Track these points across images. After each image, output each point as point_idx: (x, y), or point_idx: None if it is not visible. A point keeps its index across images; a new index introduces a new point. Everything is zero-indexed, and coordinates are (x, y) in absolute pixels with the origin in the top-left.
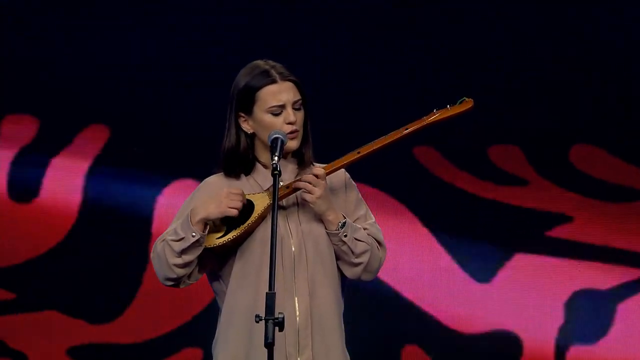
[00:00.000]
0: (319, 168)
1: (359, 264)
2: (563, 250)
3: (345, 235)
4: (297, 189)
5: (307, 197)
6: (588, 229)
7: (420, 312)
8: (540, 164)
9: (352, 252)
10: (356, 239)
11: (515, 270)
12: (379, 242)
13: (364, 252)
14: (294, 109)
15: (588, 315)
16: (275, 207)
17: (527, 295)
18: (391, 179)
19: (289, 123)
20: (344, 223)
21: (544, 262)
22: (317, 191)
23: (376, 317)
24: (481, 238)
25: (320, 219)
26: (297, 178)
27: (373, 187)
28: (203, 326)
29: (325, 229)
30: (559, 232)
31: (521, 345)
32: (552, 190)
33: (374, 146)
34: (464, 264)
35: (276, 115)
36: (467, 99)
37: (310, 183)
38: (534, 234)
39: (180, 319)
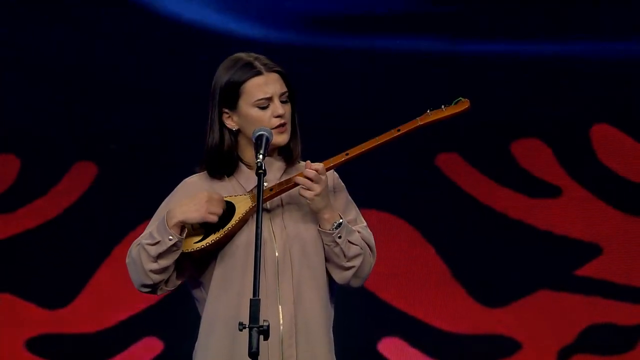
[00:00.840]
0: (317, 163)
1: (350, 267)
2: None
3: (340, 237)
4: (282, 191)
5: (307, 193)
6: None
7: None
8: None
9: (345, 255)
10: (350, 242)
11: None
12: (370, 247)
13: (356, 256)
14: (281, 101)
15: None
16: (259, 208)
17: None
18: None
19: (277, 116)
20: (340, 224)
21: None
22: (318, 188)
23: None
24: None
25: (308, 221)
26: (282, 181)
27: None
28: (162, 315)
29: (319, 227)
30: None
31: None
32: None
33: (364, 148)
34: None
35: (263, 108)
36: (463, 99)
37: (310, 179)
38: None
39: (138, 305)
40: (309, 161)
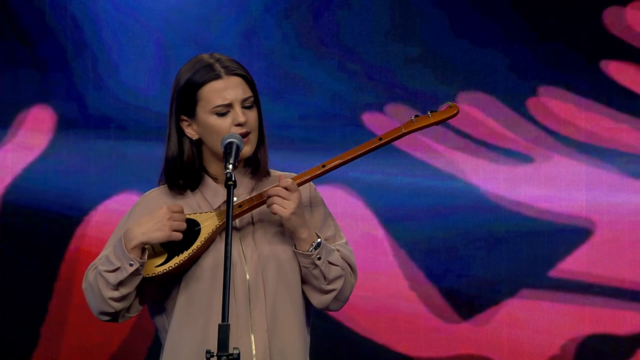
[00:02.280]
0: (286, 180)
1: (331, 291)
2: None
3: (319, 258)
4: (253, 207)
5: (281, 211)
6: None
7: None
8: None
9: (325, 278)
10: (330, 263)
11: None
12: (351, 267)
13: (337, 278)
14: (244, 107)
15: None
16: (229, 224)
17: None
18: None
19: (238, 124)
20: (319, 243)
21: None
22: (291, 205)
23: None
24: None
25: (283, 239)
26: (252, 196)
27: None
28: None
29: (295, 248)
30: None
31: None
32: None
33: (342, 159)
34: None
35: (222, 116)
36: (451, 104)
37: (279, 196)
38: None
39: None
40: (282, 175)
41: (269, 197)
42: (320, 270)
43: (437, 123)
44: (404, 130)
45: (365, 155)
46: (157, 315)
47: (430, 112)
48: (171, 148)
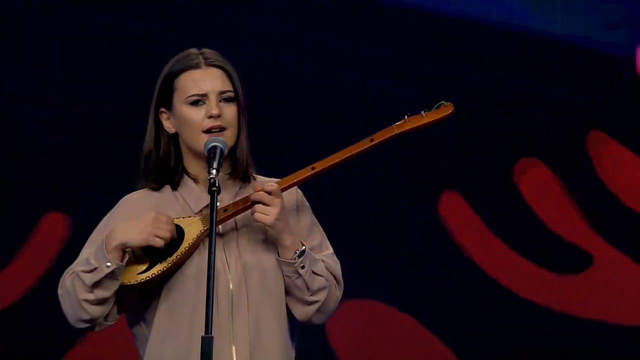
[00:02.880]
0: (271, 183)
1: (314, 302)
2: None
3: (303, 267)
4: (238, 212)
5: (263, 218)
6: None
7: None
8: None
9: (308, 288)
10: (314, 273)
11: None
12: (336, 279)
13: (321, 289)
14: (221, 100)
15: None
16: (213, 234)
17: None
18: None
19: (211, 117)
20: (303, 251)
21: None
22: (274, 210)
23: None
24: None
25: (267, 246)
26: (238, 200)
27: None
28: None
29: (278, 256)
30: None
31: None
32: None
33: (332, 160)
34: None
35: (196, 107)
36: (445, 103)
37: (262, 201)
38: None
39: None
40: (257, 183)
41: (252, 202)
42: (304, 280)
43: (431, 123)
44: (396, 131)
45: (356, 156)
46: (136, 324)
47: (424, 112)
48: (148, 142)
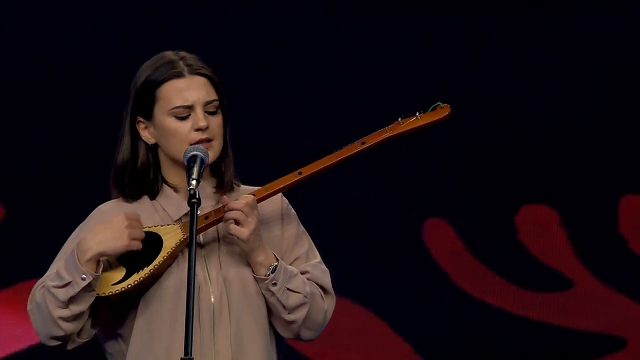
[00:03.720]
0: (245, 195)
1: (292, 322)
2: None
3: (275, 284)
4: (219, 220)
5: (238, 231)
6: None
7: None
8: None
9: (283, 306)
10: (289, 289)
11: None
12: (323, 289)
13: (298, 307)
14: (206, 112)
15: None
16: (193, 245)
17: None
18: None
19: (198, 129)
20: (275, 267)
21: None
22: (251, 224)
23: None
24: None
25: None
26: (220, 206)
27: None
28: None
29: (254, 273)
30: None
31: None
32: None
33: (320, 165)
34: None
35: (182, 119)
36: (442, 104)
37: (242, 211)
38: None
39: None
40: (225, 197)
41: (228, 211)
42: (277, 298)
43: (426, 125)
44: (389, 134)
45: (346, 160)
46: (112, 340)
47: (419, 113)
48: (124, 152)
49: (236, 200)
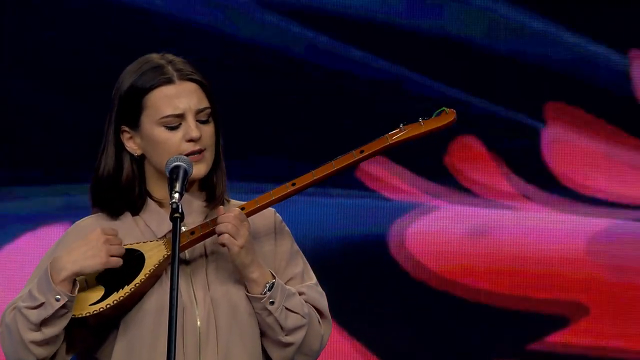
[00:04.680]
0: (235, 208)
1: (289, 344)
2: None
3: (272, 303)
4: (207, 235)
5: (231, 243)
6: None
7: None
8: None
9: (281, 328)
10: (287, 309)
11: None
12: (320, 313)
13: (297, 329)
14: (198, 120)
15: None
16: (175, 263)
17: None
18: None
19: (190, 140)
20: (272, 285)
21: None
22: (241, 238)
23: None
24: None
25: (238, 278)
26: (209, 220)
27: None
28: None
29: (247, 291)
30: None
31: None
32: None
33: (315, 176)
34: None
35: (172, 129)
36: (447, 109)
37: (232, 224)
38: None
39: None
40: (221, 208)
41: (219, 224)
42: (275, 318)
43: (430, 132)
44: (390, 142)
45: (343, 170)
46: None
47: (423, 119)
48: (107, 164)
49: (225, 213)
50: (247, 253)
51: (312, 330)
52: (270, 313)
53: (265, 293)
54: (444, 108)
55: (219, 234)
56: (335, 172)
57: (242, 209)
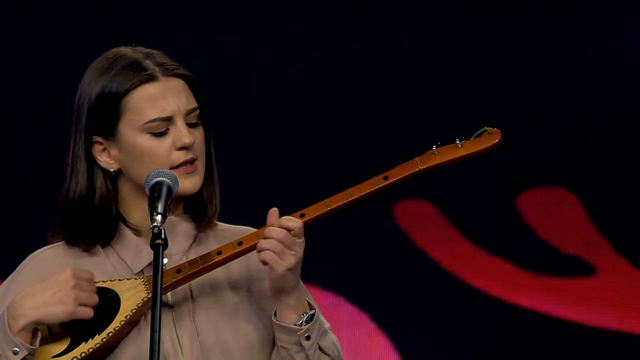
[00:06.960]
0: (292, 219)
1: None
2: None
3: (308, 338)
4: (196, 274)
5: (275, 263)
6: None
7: None
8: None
9: None
10: (322, 350)
11: None
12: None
13: None
14: (188, 124)
15: None
16: (157, 304)
17: None
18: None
19: (182, 148)
20: (312, 316)
21: None
22: (292, 258)
23: None
24: None
25: (234, 323)
26: (196, 257)
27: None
28: None
29: (276, 319)
30: None
31: None
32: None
33: (346, 199)
34: None
35: (159, 135)
36: (490, 129)
37: (282, 242)
38: None
39: None
40: (272, 214)
41: (264, 239)
42: (306, 355)
43: (470, 156)
44: (420, 167)
45: (363, 199)
46: None
47: (460, 141)
48: (79, 183)
49: (271, 226)
50: (293, 275)
51: None
52: (302, 349)
53: (301, 325)
54: (486, 128)
55: (260, 251)
56: (352, 202)
57: (302, 215)
